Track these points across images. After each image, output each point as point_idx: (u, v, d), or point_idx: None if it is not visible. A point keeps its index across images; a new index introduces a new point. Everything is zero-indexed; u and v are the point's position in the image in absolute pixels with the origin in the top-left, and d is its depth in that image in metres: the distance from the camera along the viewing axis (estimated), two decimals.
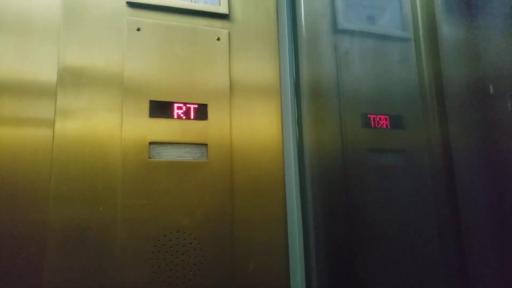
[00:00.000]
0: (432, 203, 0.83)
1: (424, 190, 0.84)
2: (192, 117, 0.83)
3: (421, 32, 0.94)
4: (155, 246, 0.76)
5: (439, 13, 0.87)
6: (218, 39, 0.88)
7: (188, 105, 0.83)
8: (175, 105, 0.82)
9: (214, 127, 0.84)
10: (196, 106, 0.84)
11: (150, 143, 0.79)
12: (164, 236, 0.77)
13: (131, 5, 0.84)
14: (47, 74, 0.79)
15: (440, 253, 0.80)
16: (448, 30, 0.82)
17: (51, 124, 0.76)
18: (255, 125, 0.88)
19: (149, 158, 0.79)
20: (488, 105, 0.66)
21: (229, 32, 0.90)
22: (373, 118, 0.91)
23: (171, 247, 0.77)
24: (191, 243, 0.78)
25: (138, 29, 0.83)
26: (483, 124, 0.66)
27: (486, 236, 0.64)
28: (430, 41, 0.92)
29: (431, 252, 0.82)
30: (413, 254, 0.83)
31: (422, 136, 0.88)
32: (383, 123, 0.90)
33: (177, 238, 0.77)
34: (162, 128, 0.80)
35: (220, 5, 0.90)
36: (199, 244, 0.78)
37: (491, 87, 0.65)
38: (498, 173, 0.63)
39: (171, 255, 0.76)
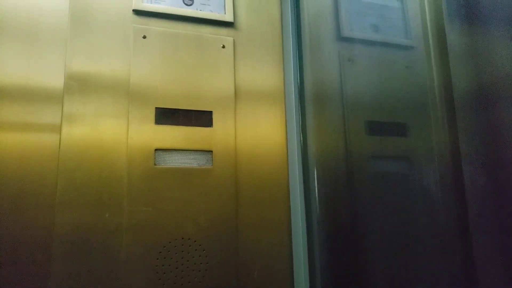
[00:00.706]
0: (437, 209, 0.83)
1: (429, 197, 0.85)
2: (197, 124, 0.83)
3: (429, 40, 0.95)
4: (160, 252, 0.76)
5: (445, 20, 0.87)
6: (223, 46, 0.89)
7: (193, 112, 0.84)
8: (181, 112, 0.83)
9: (219, 134, 0.84)
10: (202, 113, 0.84)
11: (155, 149, 0.80)
12: (169, 242, 0.77)
13: (137, 13, 0.85)
14: (54, 80, 0.80)
15: (444, 258, 0.81)
16: (454, 37, 0.83)
17: (58, 130, 0.77)
18: (260, 131, 0.89)
19: (155, 164, 0.79)
20: (496, 111, 0.66)
21: (234, 40, 0.91)
22: (377, 124, 0.91)
23: (176, 253, 0.77)
24: (196, 250, 0.78)
25: (144, 37, 0.84)
26: (489, 131, 0.67)
27: (494, 244, 0.64)
28: (435, 49, 0.93)
29: (436, 256, 0.82)
30: (418, 259, 0.83)
31: (427, 144, 0.89)
32: (387, 130, 0.91)
33: (182, 245, 0.78)
34: (167, 135, 0.81)
35: (225, 13, 0.91)
36: (204, 250, 0.79)
37: (498, 93, 0.66)
38: (505, 178, 0.64)
39: (176, 261, 0.77)
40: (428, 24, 0.96)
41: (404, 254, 0.85)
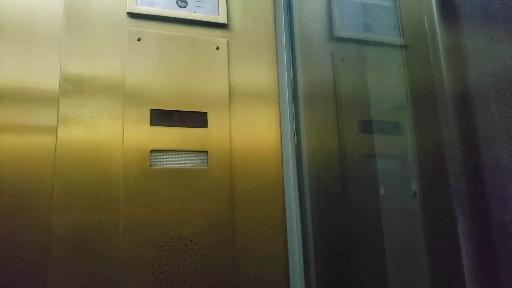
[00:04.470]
0: (431, 208, 0.84)
1: (423, 196, 0.86)
2: (192, 125, 0.84)
3: (417, 38, 0.96)
4: (157, 252, 0.77)
5: (437, 19, 0.88)
6: (217, 48, 0.90)
7: (188, 113, 0.84)
8: (176, 113, 0.84)
9: (214, 134, 0.85)
10: (196, 114, 0.85)
11: (151, 151, 0.80)
12: (166, 242, 0.78)
13: (132, 15, 0.86)
14: (49, 83, 0.81)
15: (438, 257, 0.82)
16: (446, 35, 0.84)
17: (54, 132, 0.77)
18: (254, 132, 0.89)
19: (150, 165, 0.80)
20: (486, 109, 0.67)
21: (228, 41, 0.92)
22: (370, 123, 0.92)
23: (172, 253, 0.78)
24: (192, 249, 0.79)
25: (139, 39, 0.85)
26: (481, 129, 0.68)
27: (483, 241, 0.65)
28: (426, 47, 0.94)
29: (430, 256, 0.83)
30: (412, 259, 0.84)
31: (419, 142, 0.90)
32: (379, 129, 0.92)
33: (179, 244, 0.79)
34: (163, 136, 0.82)
35: (219, 15, 0.92)
36: (200, 250, 0.80)
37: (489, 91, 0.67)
38: (495, 177, 0.65)
39: (173, 261, 0.78)
40: (425, 22, 0.96)
41: (399, 252, 0.86)
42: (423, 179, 0.86)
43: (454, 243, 0.75)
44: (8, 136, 0.77)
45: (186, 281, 0.78)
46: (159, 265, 0.77)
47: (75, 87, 0.79)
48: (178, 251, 0.78)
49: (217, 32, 0.92)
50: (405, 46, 0.98)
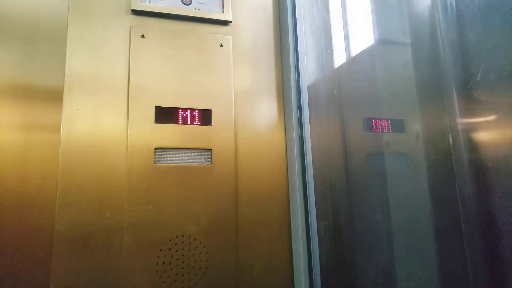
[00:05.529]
0: (435, 207, 0.84)
1: (427, 193, 0.85)
2: (196, 123, 0.84)
3: (420, 37, 0.95)
4: (161, 250, 0.77)
5: (439, 16, 0.88)
6: (221, 45, 0.90)
7: (192, 111, 0.84)
8: (180, 111, 0.83)
9: (218, 132, 0.85)
10: (201, 111, 0.85)
11: (155, 148, 0.80)
12: (170, 240, 0.78)
13: (136, 12, 0.86)
14: (54, 80, 0.81)
15: (443, 257, 0.81)
16: (449, 34, 0.83)
17: (58, 130, 0.77)
18: (259, 129, 0.89)
19: (155, 163, 0.80)
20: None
21: (232, 39, 0.91)
22: (375, 122, 0.92)
23: (176, 251, 0.78)
24: (196, 247, 0.79)
25: (143, 36, 0.84)
26: (488, 127, 0.68)
27: (487, 240, 0.65)
28: (430, 46, 0.93)
29: (434, 255, 0.83)
30: (416, 257, 0.84)
31: (423, 140, 0.89)
32: (384, 127, 0.91)
33: (183, 242, 0.78)
34: (167, 134, 0.81)
35: (223, 12, 0.92)
36: (204, 248, 0.79)
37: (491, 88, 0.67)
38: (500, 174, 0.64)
39: (177, 259, 0.77)
40: (419, 21, 0.95)
41: (403, 251, 0.85)
42: (431, 179, 0.85)
43: (462, 245, 0.75)
44: (12, 133, 0.76)
45: (190, 279, 0.77)
46: (163, 263, 0.76)
47: (79, 85, 0.79)
48: (183, 248, 0.78)
49: (221, 29, 0.92)
50: (409, 44, 0.98)
